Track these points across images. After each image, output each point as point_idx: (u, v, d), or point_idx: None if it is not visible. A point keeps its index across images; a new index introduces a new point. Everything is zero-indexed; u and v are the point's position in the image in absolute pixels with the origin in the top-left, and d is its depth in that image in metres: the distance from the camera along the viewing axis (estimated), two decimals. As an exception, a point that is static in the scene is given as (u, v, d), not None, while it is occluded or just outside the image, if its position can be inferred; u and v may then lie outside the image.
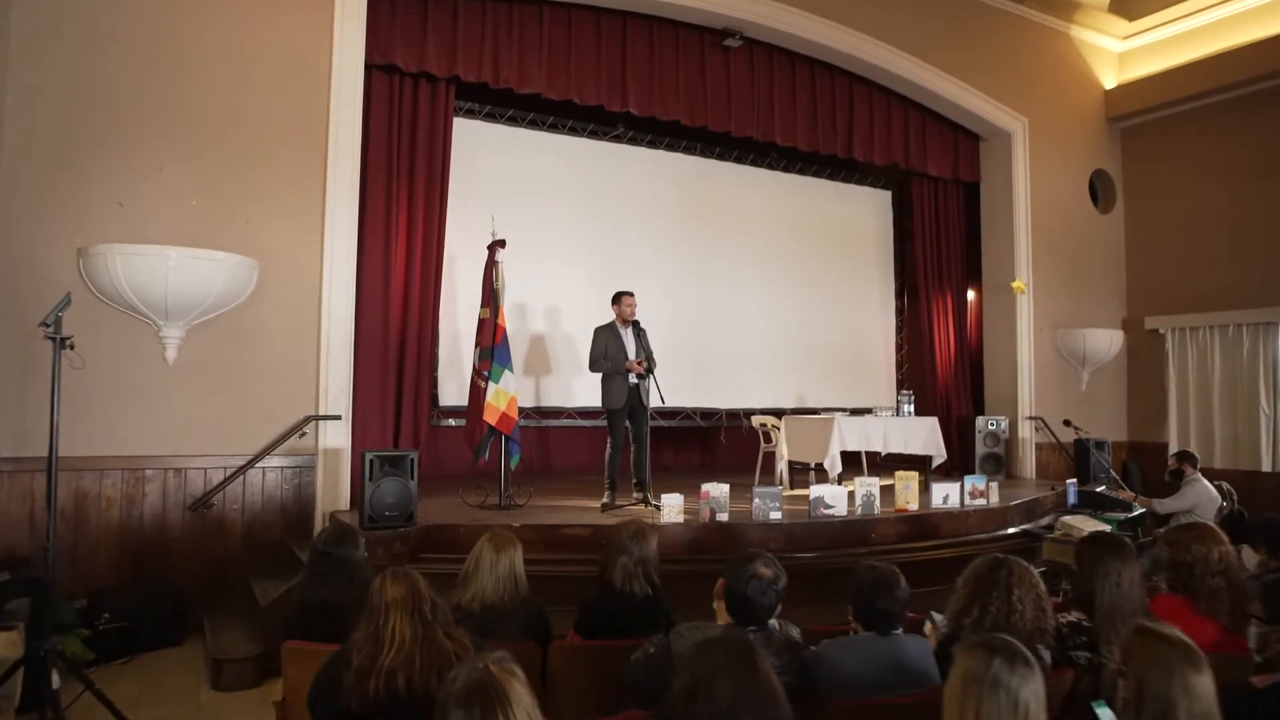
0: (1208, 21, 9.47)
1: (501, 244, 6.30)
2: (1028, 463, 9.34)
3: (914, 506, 6.25)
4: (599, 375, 6.39)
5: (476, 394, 6.18)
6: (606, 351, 6.37)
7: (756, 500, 5.67)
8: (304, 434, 5.79)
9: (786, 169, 9.71)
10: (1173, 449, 9.67)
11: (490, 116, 7.93)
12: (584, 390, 8.04)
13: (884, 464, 7.92)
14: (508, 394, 6.15)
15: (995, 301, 9.67)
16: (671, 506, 5.51)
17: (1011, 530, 6.56)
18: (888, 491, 6.24)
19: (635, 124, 8.57)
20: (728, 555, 5.47)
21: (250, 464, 5.63)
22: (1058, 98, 9.86)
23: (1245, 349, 9.15)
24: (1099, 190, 10.32)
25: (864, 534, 5.86)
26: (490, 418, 6.04)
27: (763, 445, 8.20)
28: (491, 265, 6.29)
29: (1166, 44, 9.90)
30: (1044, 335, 9.56)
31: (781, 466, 7.83)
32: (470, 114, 7.72)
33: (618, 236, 8.59)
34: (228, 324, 5.63)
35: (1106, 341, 9.71)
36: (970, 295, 10.05)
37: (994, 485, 6.68)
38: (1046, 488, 7.93)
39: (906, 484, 6.27)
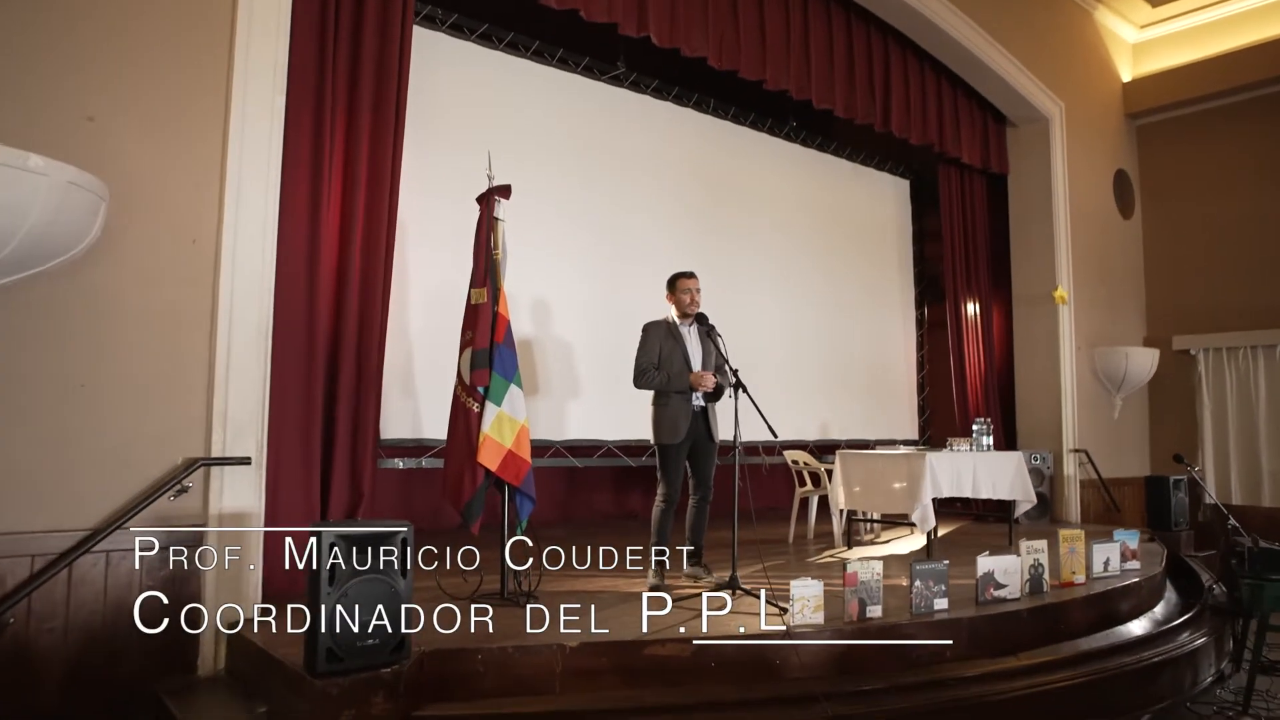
0: (1234, 12, 8.61)
1: (503, 192, 4.14)
2: (1073, 504, 7.89)
3: (1080, 578, 4.54)
4: (649, 395, 4.37)
5: (466, 422, 3.96)
6: (660, 359, 4.33)
7: (917, 583, 3.74)
8: (185, 489, 3.37)
9: (806, 142, 7.95)
10: (1210, 483, 8.63)
11: (457, 30, 5.67)
12: (579, 418, 5.92)
13: (941, 511, 6.16)
14: (516, 421, 3.99)
15: (1029, 315, 8.24)
16: (807, 601, 3.47)
17: (1169, 621, 4.77)
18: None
19: (638, 64, 6.59)
20: (897, 680, 3.59)
21: (83, 546, 3.16)
22: (1087, 85, 8.67)
23: (1299, 371, 8.14)
24: (1117, 193, 9.19)
25: (1054, 625, 4.04)
26: (489, 459, 3.87)
27: (798, 488, 6.34)
28: (487, 224, 4.11)
29: (1183, 36, 9.02)
30: (1082, 355, 8.22)
31: (831, 515, 6.04)
32: (430, 22, 5.46)
33: (612, 207, 6.56)
34: (47, 294, 3.16)
35: (1148, 362, 8.49)
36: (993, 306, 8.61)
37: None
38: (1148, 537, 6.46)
39: (1072, 546, 4.54)
